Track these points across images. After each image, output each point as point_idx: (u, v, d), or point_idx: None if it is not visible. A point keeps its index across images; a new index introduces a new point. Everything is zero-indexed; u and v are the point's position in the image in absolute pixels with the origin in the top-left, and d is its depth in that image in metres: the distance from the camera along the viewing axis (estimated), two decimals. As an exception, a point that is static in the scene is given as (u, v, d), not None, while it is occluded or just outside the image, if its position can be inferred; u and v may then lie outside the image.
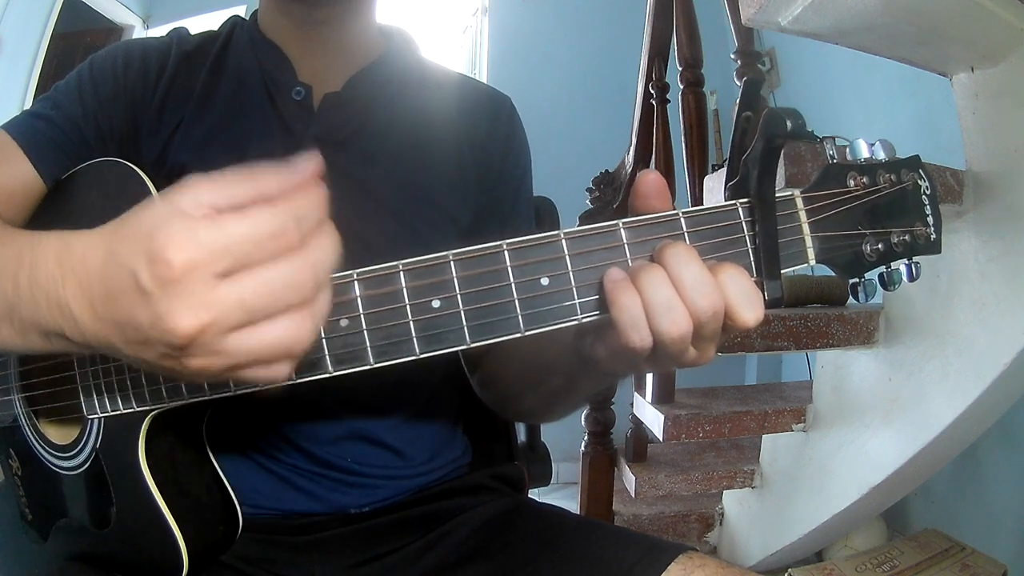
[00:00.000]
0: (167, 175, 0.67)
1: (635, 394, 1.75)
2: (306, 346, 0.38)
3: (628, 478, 1.78)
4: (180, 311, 0.35)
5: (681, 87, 1.64)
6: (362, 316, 0.43)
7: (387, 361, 0.44)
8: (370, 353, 0.44)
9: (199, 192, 0.36)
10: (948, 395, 1.25)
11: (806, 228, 0.43)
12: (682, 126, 1.63)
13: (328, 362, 0.45)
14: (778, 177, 0.93)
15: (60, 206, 0.65)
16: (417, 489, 0.74)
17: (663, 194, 0.43)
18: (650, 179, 0.43)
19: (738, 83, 1.52)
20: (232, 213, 0.35)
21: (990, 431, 1.37)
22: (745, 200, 0.42)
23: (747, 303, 0.40)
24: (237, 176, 0.36)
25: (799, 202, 0.43)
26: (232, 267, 0.35)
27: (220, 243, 0.35)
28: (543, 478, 1.01)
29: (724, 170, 1.39)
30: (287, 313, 0.36)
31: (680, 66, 1.64)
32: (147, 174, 0.59)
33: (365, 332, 0.44)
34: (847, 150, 0.44)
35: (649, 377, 1.65)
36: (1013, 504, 1.58)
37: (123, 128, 0.68)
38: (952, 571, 1.42)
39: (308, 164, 0.37)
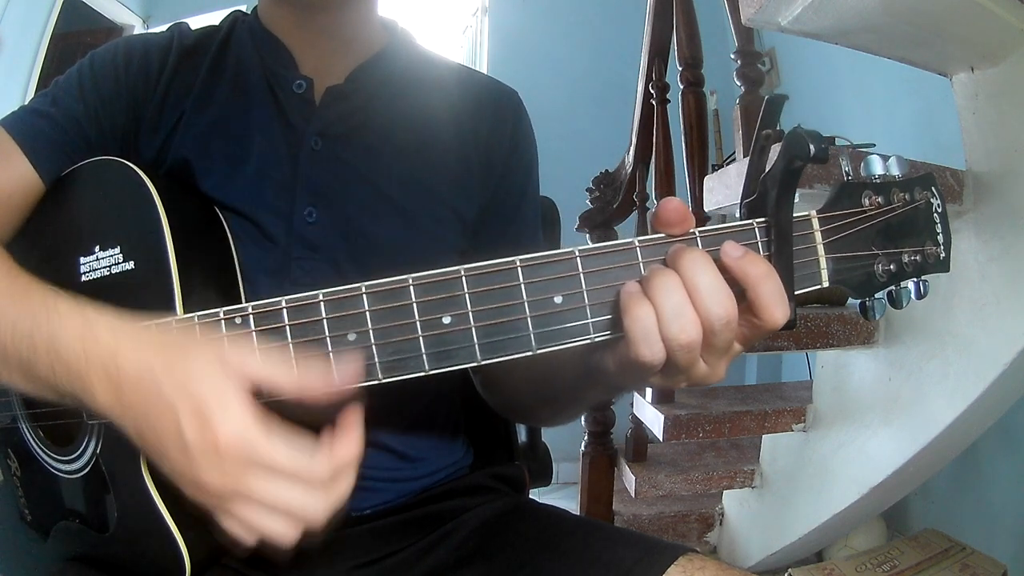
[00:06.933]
0: (168, 170, 0.66)
1: (635, 394, 1.75)
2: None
3: (628, 478, 1.78)
4: (210, 473, 0.41)
5: (681, 87, 1.64)
6: (370, 331, 0.43)
7: (395, 376, 0.44)
8: (378, 368, 0.44)
9: (247, 363, 0.42)
10: (948, 395, 1.25)
11: (821, 250, 0.43)
12: (682, 126, 1.63)
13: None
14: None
15: (58, 205, 0.64)
16: (419, 491, 0.73)
17: (686, 223, 0.42)
18: (673, 207, 0.42)
19: (738, 83, 1.51)
20: (288, 446, 0.42)
21: (990, 431, 1.37)
22: (762, 220, 0.42)
23: (779, 302, 0.41)
24: (285, 369, 0.43)
25: (815, 223, 0.43)
26: (263, 473, 0.41)
27: (268, 457, 0.41)
28: (543, 478, 1.01)
29: (724, 170, 1.37)
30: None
31: (680, 66, 1.63)
32: (146, 171, 0.59)
33: (373, 347, 0.43)
34: (861, 166, 0.43)
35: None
36: (1013, 504, 1.58)
37: (124, 125, 0.67)
38: (952, 571, 1.42)
39: (354, 417, 0.44)
